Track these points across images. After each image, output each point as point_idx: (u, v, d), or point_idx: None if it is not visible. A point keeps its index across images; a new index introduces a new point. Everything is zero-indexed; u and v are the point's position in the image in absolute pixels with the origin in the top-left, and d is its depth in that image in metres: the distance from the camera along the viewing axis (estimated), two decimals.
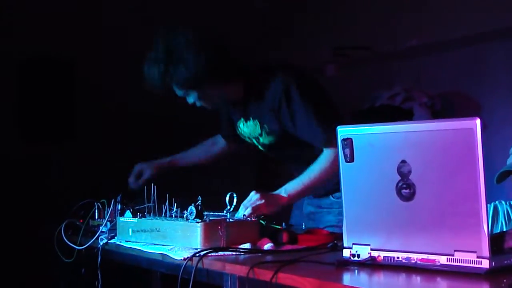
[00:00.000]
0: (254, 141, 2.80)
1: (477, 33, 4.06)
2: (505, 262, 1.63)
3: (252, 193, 2.45)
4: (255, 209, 2.40)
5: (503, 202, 2.53)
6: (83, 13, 4.67)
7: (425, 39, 4.40)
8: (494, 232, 2.38)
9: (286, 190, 2.54)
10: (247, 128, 2.78)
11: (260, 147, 2.82)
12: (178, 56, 2.50)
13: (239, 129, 2.84)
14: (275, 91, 2.58)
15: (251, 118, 2.74)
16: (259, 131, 2.73)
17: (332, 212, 2.78)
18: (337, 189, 2.70)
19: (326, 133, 2.51)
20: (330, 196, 2.79)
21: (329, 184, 2.66)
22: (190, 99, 2.67)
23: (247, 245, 2.17)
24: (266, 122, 2.68)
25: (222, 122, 2.99)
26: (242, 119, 2.78)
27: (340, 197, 2.77)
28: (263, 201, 2.43)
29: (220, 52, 2.56)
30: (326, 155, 2.54)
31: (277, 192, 2.55)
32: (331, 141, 2.48)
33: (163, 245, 2.28)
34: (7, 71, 4.35)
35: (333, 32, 4.91)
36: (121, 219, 2.51)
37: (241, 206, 2.40)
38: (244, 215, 2.35)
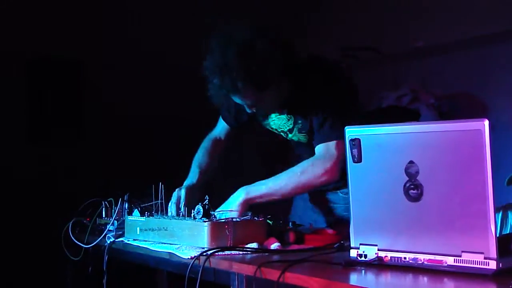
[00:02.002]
0: (283, 134, 2.71)
1: (484, 34, 4.05)
2: None
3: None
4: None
5: None
6: (92, 14, 4.69)
7: (432, 40, 4.39)
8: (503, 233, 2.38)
9: (248, 190, 2.43)
10: (279, 120, 2.65)
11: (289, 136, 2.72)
12: (254, 56, 2.33)
13: (268, 120, 2.70)
14: (315, 92, 2.50)
15: (286, 112, 2.62)
16: (290, 127, 2.64)
17: (338, 208, 2.76)
18: (342, 185, 2.68)
19: (333, 129, 2.43)
20: (339, 192, 2.74)
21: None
22: (247, 107, 2.54)
23: (254, 245, 2.18)
24: (300, 119, 2.60)
25: (231, 110, 2.83)
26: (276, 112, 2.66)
27: (346, 193, 2.79)
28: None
29: (286, 49, 2.43)
30: (308, 165, 2.45)
31: (236, 192, 2.45)
32: (333, 138, 2.42)
33: (170, 244, 2.29)
34: (16, 72, 4.37)
35: (341, 33, 4.91)
36: (129, 218, 2.52)
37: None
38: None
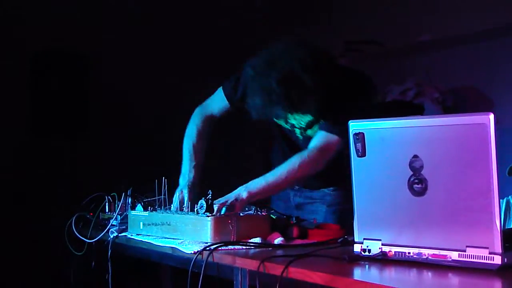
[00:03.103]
0: (297, 130, 2.67)
1: (489, 28, 4.03)
2: None
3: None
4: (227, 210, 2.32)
5: None
6: (97, 8, 4.68)
7: (437, 34, 4.37)
8: (507, 227, 2.37)
9: (247, 187, 2.40)
10: (300, 116, 2.60)
11: (299, 136, 2.70)
12: (295, 88, 2.35)
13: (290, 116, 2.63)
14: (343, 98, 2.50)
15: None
16: (310, 123, 2.60)
17: (325, 202, 2.79)
18: (329, 184, 2.78)
19: (340, 125, 2.35)
20: (322, 189, 2.78)
21: (317, 182, 2.67)
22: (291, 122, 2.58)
23: (257, 239, 2.17)
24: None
25: (239, 90, 2.73)
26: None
27: (333, 190, 2.77)
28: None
29: (327, 76, 2.43)
30: (304, 155, 2.45)
31: (236, 190, 2.40)
32: (337, 133, 2.43)
33: (173, 238, 2.28)
34: (21, 65, 4.36)
35: (345, 26, 4.90)
36: (133, 212, 2.51)
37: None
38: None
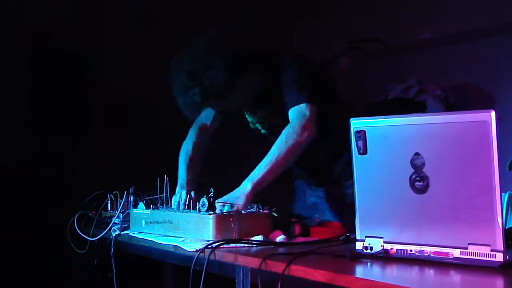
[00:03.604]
0: (258, 125, 2.83)
1: (490, 25, 4.03)
2: None
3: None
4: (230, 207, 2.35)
5: None
6: (97, 8, 4.69)
7: (439, 31, 4.37)
8: (509, 220, 2.37)
9: (249, 178, 2.44)
10: (254, 119, 2.82)
11: (262, 131, 2.84)
12: (204, 73, 2.53)
13: (251, 119, 2.86)
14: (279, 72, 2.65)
15: (258, 107, 2.78)
16: (263, 123, 2.80)
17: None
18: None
19: (301, 94, 2.54)
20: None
21: None
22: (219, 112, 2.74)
23: (259, 237, 2.17)
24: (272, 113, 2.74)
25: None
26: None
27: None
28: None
29: (235, 55, 2.58)
30: (289, 129, 2.51)
31: (242, 183, 2.44)
32: (303, 100, 2.52)
33: (175, 236, 2.28)
34: (22, 65, 4.37)
35: (346, 25, 4.90)
36: (135, 210, 2.52)
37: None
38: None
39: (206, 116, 2.94)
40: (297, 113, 2.54)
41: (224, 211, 2.27)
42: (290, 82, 2.59)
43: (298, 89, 2.56)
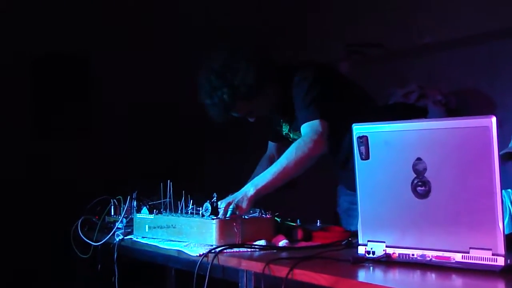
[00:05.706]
0: (293, 135, 2.86)
1: (491, 30, 4.04)
2: None
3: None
4: (233, 210, 2.35)
5: (510, 190, 2.55)
6: (97, 11, 4.70)
7: (439, 36, 4.38)
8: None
9: (253, 183, 2.47)
10: (285, 127, 2.89)
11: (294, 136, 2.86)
12: (233, 73, 2.61)
13: (282, 128, 2.91)
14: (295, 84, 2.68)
15: (281, 114, 2.84)
16: (288, 129, 2.85)
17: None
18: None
19: (310, 111, 2.57)
20: None
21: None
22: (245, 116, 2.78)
23: (262, 242, 2.19)
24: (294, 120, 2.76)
25: (268, 128, 3.04)
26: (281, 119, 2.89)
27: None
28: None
29: (261, 61, 2.67)
30: (300, 142, 2.54)
31: (244, 187, 2.47)
32: (314, 118, 2.55)
33: (179, 241, 2.30)
34: (24, 68, 4.39)
35: (347, 29, 4.91)
36: (138, 215, 2.53)
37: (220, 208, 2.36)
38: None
39: (270, 148, 3.10)
40: (310, 128, 2.57)
41: (227, 215, 2.28)
42: (301, 98, 2.62)
43: (309, 104, 2.60)
